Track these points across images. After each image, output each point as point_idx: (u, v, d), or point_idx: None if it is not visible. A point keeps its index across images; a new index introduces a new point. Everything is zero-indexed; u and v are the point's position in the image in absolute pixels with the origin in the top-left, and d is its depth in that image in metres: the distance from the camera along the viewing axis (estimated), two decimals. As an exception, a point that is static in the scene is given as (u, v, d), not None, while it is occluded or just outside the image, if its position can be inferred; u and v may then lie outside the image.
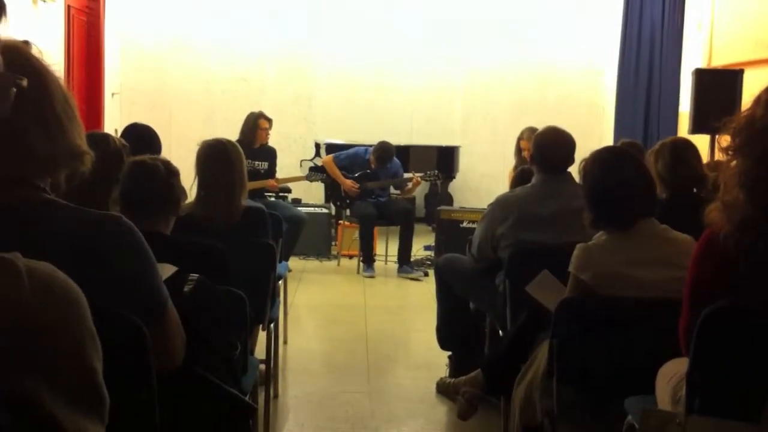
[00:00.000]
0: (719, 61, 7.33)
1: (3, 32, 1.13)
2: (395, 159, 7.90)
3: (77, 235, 1.53)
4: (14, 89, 1.07)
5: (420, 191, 9.15)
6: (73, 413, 0.83)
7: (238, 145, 3.84)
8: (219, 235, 3.23)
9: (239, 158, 3.74)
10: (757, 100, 1.93)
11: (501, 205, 3.91)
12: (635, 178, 2.92)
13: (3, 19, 0.99)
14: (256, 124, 7.16)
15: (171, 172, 2.64)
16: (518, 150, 7.01)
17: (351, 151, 8.01)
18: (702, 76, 6.51)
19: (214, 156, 3.69)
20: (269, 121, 7.28)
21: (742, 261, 1.85)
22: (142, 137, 4.11)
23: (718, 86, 6.27)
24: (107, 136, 3.25)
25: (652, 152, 4.04)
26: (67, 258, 1.15)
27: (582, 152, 3.20)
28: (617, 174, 2.93)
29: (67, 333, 0.85)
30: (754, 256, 1.84)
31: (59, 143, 1.52)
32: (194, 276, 2.10)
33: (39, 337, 0.82)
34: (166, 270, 2.04)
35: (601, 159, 3.01)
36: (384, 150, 7.72)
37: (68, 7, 7.75)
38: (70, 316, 0.87)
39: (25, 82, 1.02)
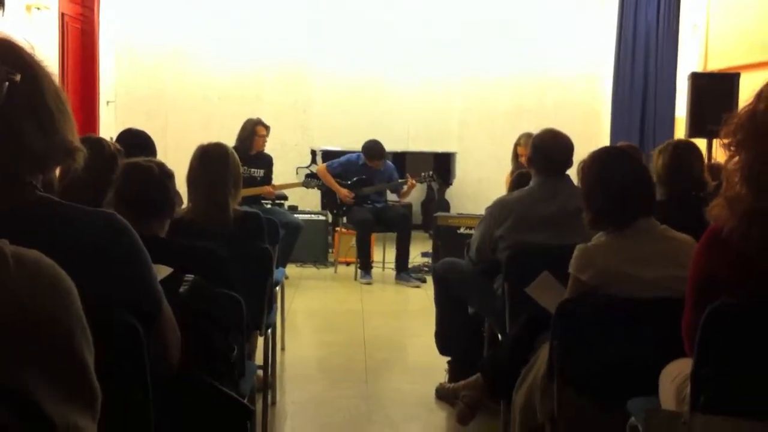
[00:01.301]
0: (715, 65, 7.32)
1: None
2: (389, 163, 7.88)
3: (72, 232, 1.51)
4: (6, 83, 1.04)
5: (417, 198, 9.13)
6: (61, 404, 0.79)
7: (232, 150, 3.81)
8: (215, 239, 3.21)
9: (234, 162, 3.72)
10: (759, 95, 1.92)
11: (499, 206, 3.89)
12: (633, 177, 2.91)
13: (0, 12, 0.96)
14: (253, 131, 7.14)
15: (165, 174, 2.62)
16: (515, 155, 7.00)
17: (343, 158, 7.98)
18: (698, 80, 6.50)
19: (208, 158, 3.67)
20: (267, 128, 7.26)
21: (749, 254, 1.83)
22: (136, 142, 4.08)
23: (715, 90, 6.26)
24: (101, 140, 3.23)
25: (657, 151, 4.03)
26: (61, 255, 1.12)
27: (580, 157, 3.19)
28: (615, 173, 2.91)
29: (54, 320, 0.82)
30: (762, 248, 1.82)
31: (52, 138, 1.50)
32: (190, 277, 2.07)
33: (25, 324, 0.79)
34: (162, 271, 2.01)
35: (599, 158, 2.99)
36: (370, 148, 7.69)
37: (62, 15, 7.72)
38: (58, 303, 0.84)
39: (18, 77, 1.00)
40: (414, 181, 7.73)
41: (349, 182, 7.73)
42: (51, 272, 0.85)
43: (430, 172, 8.01)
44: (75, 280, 0.91)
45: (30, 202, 1.49)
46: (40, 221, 1.49)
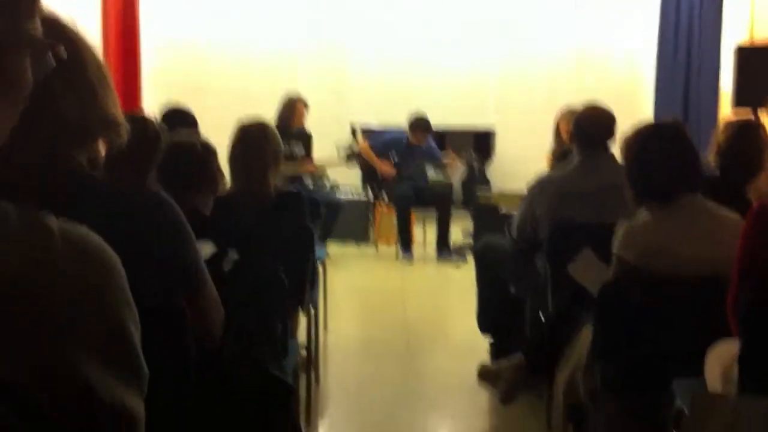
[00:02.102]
0: (762, 35, 7.14)
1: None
2: (431, 141, 7.84)
3: (117, 211, 1.52)
4: (52, 59, 1.05)
5: (457, 175, 9.07)
6: (109, 380, 0.80)
7: (273, 126, 3.81)
8: (257, 217, 3.22)
9: (274, 139, 3.71)
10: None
11: (541, 185, 3.85)
12: (678, 152, 2.84)
13: None
14: (293, 107, 7.15)
15: (208, 150, 2.63)
16: (557, 132, 6.90)
17: (387, 136, 7.97)
18: (744, 53, 6.36)
19: (247, 136, 3.67)
20: (306, 104, 7.26)
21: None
22: (181, 118, 4.10)
23: (762, 63, 6.13)
24: (145, 119, 3.24)
25: (723, 124, 3.98)
26: (106, 233, 1.12)
27: (622, 132, 3.13)
28: (658, 147, 2.85)
29: (101, 297, 0.82)
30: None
31: (93, 111, 1.51)
32: (234, 255, 2.08)
33: (73, 301, 0.79)
34: (206, 249, 2.02)
35: (642, 133, 2.94)
36: (418, 118, 7.65)
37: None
38: (104, 280, 0.83)
39: (62, 50, 1.00)
40: (456, 161, 7.68)
41: (390, 159, 7.71)
42: (98, 248, 0.85)
43: (471, 152, 7.96)
44: (120, 258, 0.91)
45: (74, 177, 1.50)
46: (84, 196, 1.50)
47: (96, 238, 0.86)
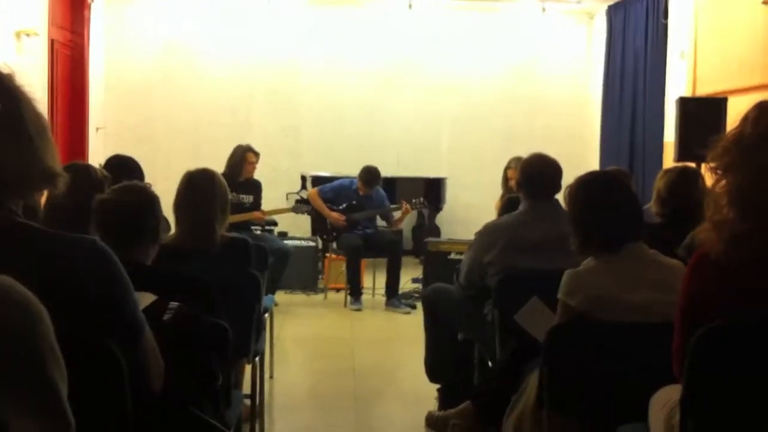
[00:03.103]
0: (703, 90, 7.35)
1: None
2: (380, 190, 7.87)
3: (51, 258, 1.49)
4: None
5: (407, 223, 9.11)
6: (29, 429, 0.77)
7: (219, 175, 3.79)
8: (202, 265, 3.17)
9: (221, 187, 3.69)
10: (745, 118, 1.92)
11: (488, 232, 3.88)
12: (621, 201, 2.90)
13: None
14: (243, 158, 7.13)
15: (150, 198, 2.59)
16: (505, 180, 7.01)
17: (336, 183, 7.98)
18: (686, 104, 6.51)
19: (194, 183, 3.65)
20: (257, 154, 7.25)
21: (736, 276, 1.82)
22: (124, 167, 4.06)
23: (703, 114, 6.27)
24: (88, 166, 3.21)
25: (662, 172, 4.06)
26: (40, 281, 1.09)
27: (569, 181, 3.17)
28: (603, 197, 2.90)
29: (25, 346, 0.80)
30: (748, 271, 1.81)
31: (31, 163, 1.48)
32: (174, 304, 2.04)
33: None
34: (146, 298, 1.98)
35: (586, 182, 2.98)
36: (369, 173, 7.67)
37: (51, 41, 7.72)
38: (29, 329, 0.81)
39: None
40: (409, 207, 7.71)
41: (340, 208, 7.71)
42: (23, 298, 0.83)
43: (421, 199, 8.00)
44: (52, 306, 0.88)
45: (7, 227, 1.47)
46: (17, 246, 1.46)
47: (21, 289, 0.84)
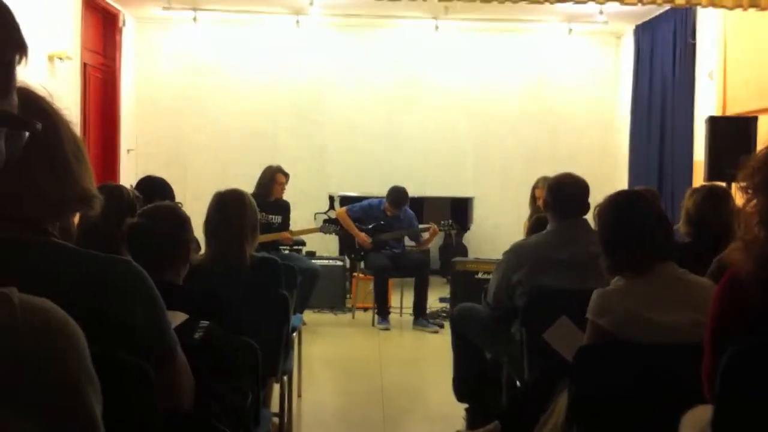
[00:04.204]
0: (733, 109, 7.31)
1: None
2: (409, 210, 7.87)
3: (85, 278, 1.51)
4: (27, 134, 1.05)
5: (435, 243, 9.12)
6: None
7: (249, 195, 3.82)
8: (232, 285, 3.20)
9: (251, 207, 3.73)
10: (775, 138, 1.91)
11: (517, 252, 3.88)
12: (651, 221, 2.88)
13: (24, 61, 0.97)
14: (273, 178, 7.18)
15: (181, 219, 2.62)
16: (533, 199, 6.98)
17: (365, 203, 7.99)
18: (716, 123, 6.49)
19: (224, 204, 3.68)
20: (286, 175, 7.29)
21: (766, 297, 1.81)
22: (155, 188, 4.12)
23: (732, 133, 6.25)
24: (121, 188, 3.26)
25: (690, 191, 4.03)
26: (73, 300, 1.12)
27: (597, 201, 3.17)
28: (632, 217, 2.89)
29: (62, 370, 0.81)
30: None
31: (68, 186, 1.51)
32: (205, 323, 2.07)
33: (31, 376, 0.78)
34: (177, 318, 2.01)
35: (615, 202, 2.97)
36: (398, 193, 7.69)
37: (84, 65, 7.86)
38: (65, 353, 0.83)
39: (39, 126, 1.01)
40: (437, 228, 7.72)
41: (368, 227, 7.73)
42: (60, 321, 0.85)
43: (450, 221, 7.99)
44: (87, 327, 0.90)
45: (45, 249, 1.50)
46: (55, 267, 1.49)
47: (60, 312, 0.85)
